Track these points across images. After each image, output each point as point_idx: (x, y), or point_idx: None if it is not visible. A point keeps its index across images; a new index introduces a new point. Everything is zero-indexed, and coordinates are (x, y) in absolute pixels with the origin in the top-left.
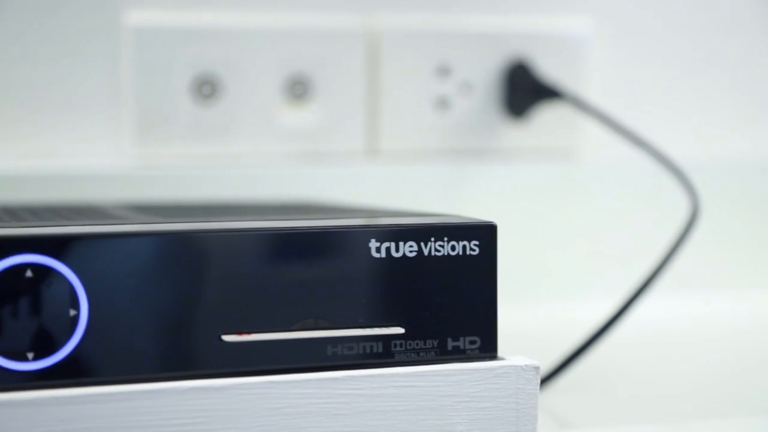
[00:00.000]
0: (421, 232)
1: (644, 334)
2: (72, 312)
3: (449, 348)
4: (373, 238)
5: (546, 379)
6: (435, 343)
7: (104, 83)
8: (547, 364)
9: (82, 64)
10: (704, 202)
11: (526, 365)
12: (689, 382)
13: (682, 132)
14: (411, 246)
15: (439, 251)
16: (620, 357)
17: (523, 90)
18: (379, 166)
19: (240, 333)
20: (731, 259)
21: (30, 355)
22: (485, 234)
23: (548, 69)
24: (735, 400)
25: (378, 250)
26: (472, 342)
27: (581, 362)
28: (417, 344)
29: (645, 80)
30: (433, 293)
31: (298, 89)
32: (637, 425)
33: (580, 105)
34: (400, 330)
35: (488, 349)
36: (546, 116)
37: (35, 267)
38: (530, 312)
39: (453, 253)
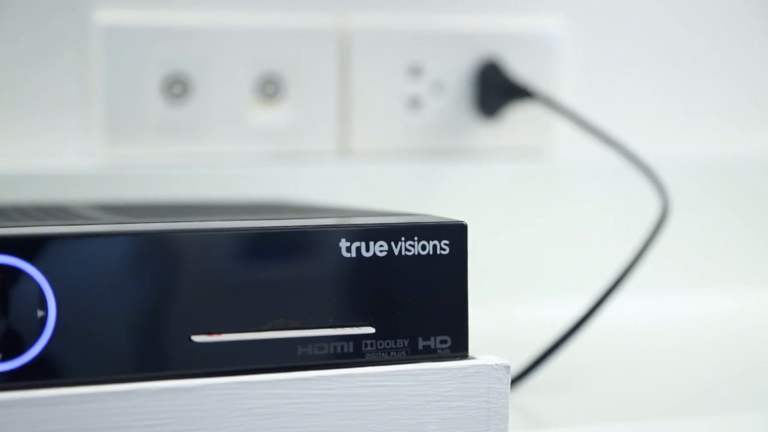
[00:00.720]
0: (391, 232)
1: (616, 334)
2: (40, 313)
3: (420, 347)
4: (344, 237)
5: (517, 379)
6: (406, 343)
7: (74, 83)
8: (518, 364)
9: (51, 64)
10: (677, 201)
11: (496, 364)
12: (660, 380)
13: (654, 131)
14: (381, 246)
15: (409, 251)
16: (591, 356)
17: (495, 89)
18: (351, 166)
19: (210, 333)
20: (704, 257)
21: None
22: (456, 233)
23: (520, 68)
24: (707, 398)
25: (348, 249)
26: (443, 341)
27: (552, 361)
28: (388, 344)
29: (616, 79)
30: (403, 293)
31: (270, 88)
32: (609, 424)
33: (552, 104)
34: (371, 330)
35: (459, 349)
36: (518, 116)
37: (2, 268)
38: (501, 311)
39: (423, 253)
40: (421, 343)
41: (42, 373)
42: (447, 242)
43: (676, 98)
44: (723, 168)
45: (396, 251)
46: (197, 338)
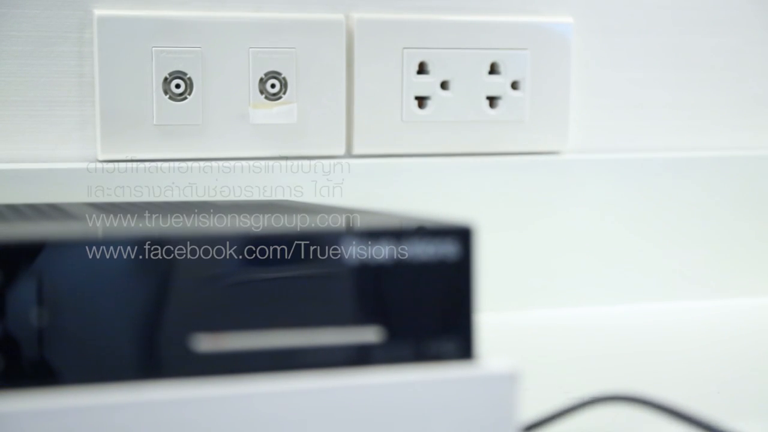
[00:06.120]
0: (398, 234)
1: (626, 338)
2: (35, 319)
3: (426, 353)
4: (349, 239)
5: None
6: (412, 348)
7: (74, 81)
8: (532, 376)
9: (50, 62)
10: (697, 198)
11: (506, 371)
12: (675, 390)
13: (666, 128)
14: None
15: (416, 253)
16: (603, 364)
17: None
18: (356, 165)
19: (211, 339)
20: (712, 258)
21: None
22: (464, 236)
23: (531, 67)
24: (725, 407)
25: (354, 252)
26: (450, 347)
27: (558, 367)
28: (393, 349)
29: (628, 79)
30: (410, 296)
31: (273, 86)
32: None
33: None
34: (376, 334)
35: (467, 355)
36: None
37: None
38: (510, 316)
39: (431, 256)
40: (427, 349)
41: (36, 380)
42: (455, 245)
43: (692, 96)
44: (739, 166)
45: (403, 254)
46: (198, 343)
